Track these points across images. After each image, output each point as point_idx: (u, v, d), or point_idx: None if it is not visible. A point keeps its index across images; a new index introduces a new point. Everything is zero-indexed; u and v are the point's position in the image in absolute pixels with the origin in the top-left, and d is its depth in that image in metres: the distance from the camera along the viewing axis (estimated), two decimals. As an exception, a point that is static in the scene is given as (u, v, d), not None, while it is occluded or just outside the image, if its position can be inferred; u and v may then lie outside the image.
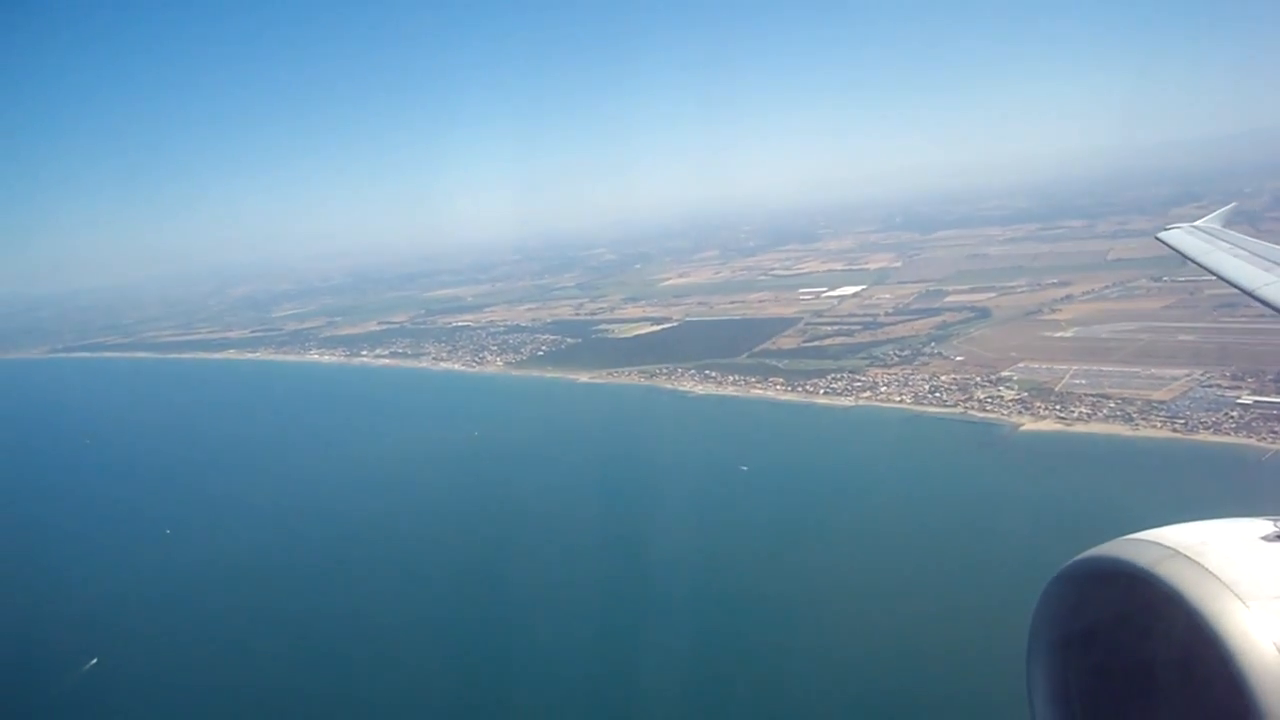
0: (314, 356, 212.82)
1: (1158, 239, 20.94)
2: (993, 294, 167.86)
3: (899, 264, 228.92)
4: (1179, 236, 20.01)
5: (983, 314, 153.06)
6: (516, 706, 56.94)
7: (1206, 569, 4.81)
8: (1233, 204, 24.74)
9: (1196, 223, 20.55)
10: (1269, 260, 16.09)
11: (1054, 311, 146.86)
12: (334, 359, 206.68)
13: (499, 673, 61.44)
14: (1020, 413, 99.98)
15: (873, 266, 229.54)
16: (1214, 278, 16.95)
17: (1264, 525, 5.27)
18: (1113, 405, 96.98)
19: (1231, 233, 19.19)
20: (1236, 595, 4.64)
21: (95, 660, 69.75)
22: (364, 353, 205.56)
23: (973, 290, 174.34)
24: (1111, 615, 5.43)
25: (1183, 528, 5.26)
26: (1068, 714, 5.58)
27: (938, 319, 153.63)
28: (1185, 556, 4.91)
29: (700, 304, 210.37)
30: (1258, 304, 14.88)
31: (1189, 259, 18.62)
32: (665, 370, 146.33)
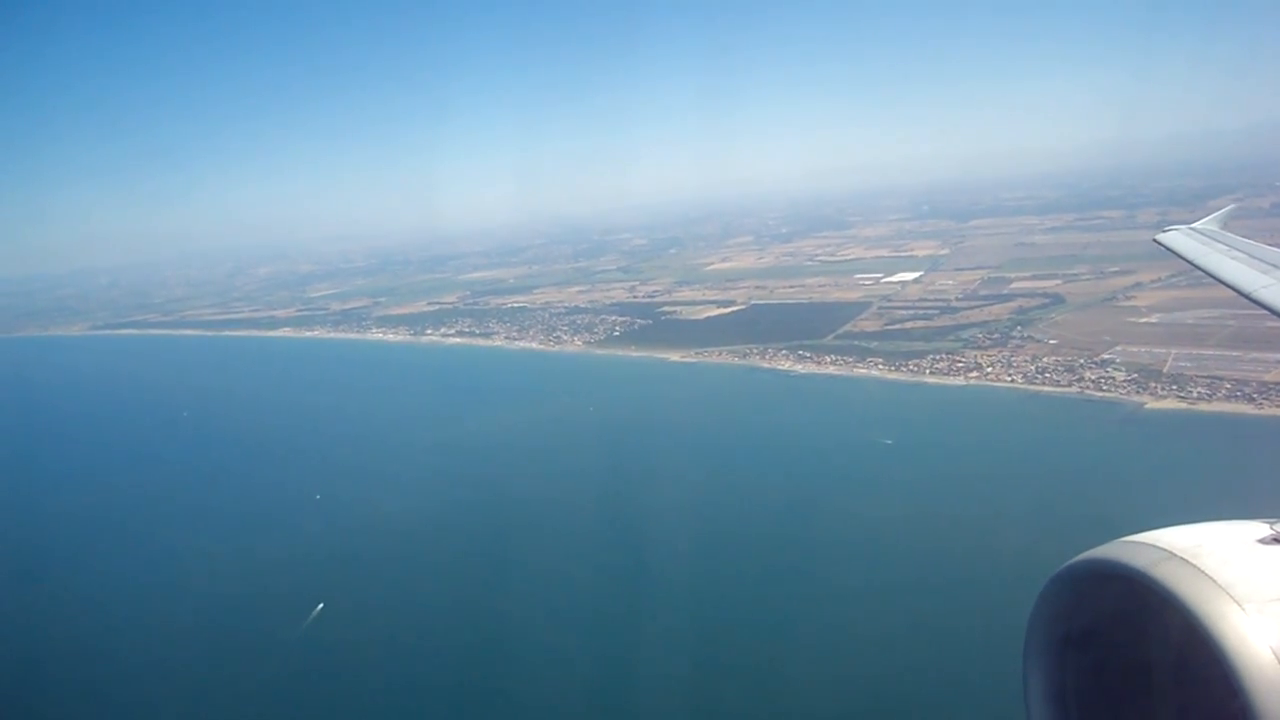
0: (377, 335, 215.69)
1: (1156, 241, 21.09)
2: (1058, 281, 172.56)
3: (946, 251, 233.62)
4: (1177, 239, 20.16)
5: (1057, 300, 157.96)
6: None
7: (1203, 572, 4.87)
8: (1231, 205, 25.29)
9: (1195, 225, 20.74)
10: (1266, 262, 16.32)
11: (1129, 298, 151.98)
12: (399, 338, 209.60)
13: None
14: (1139, 392, 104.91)
15: (920, 253, 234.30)
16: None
17: (1260, 528, 5.32)
18: (1229, 386, 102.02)
19: (1229, 235, 19.40)
20: (1233, 598, 4.69)
21: (322, 605, 74.23)
22: (429, 331, 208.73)
23: (1035, 278, 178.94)
24: (1108, 616, 5.51)
25: (1180, 530, 5.33)
26: (1063, 714, 5.68)
27: (1012, 304, 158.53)
28: (1181, 559, 4.98)
29: (758, 288, 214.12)
30: (1256, 306, 15.05)
31: (1187, 261, 18.87)
32: (756, 350, 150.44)
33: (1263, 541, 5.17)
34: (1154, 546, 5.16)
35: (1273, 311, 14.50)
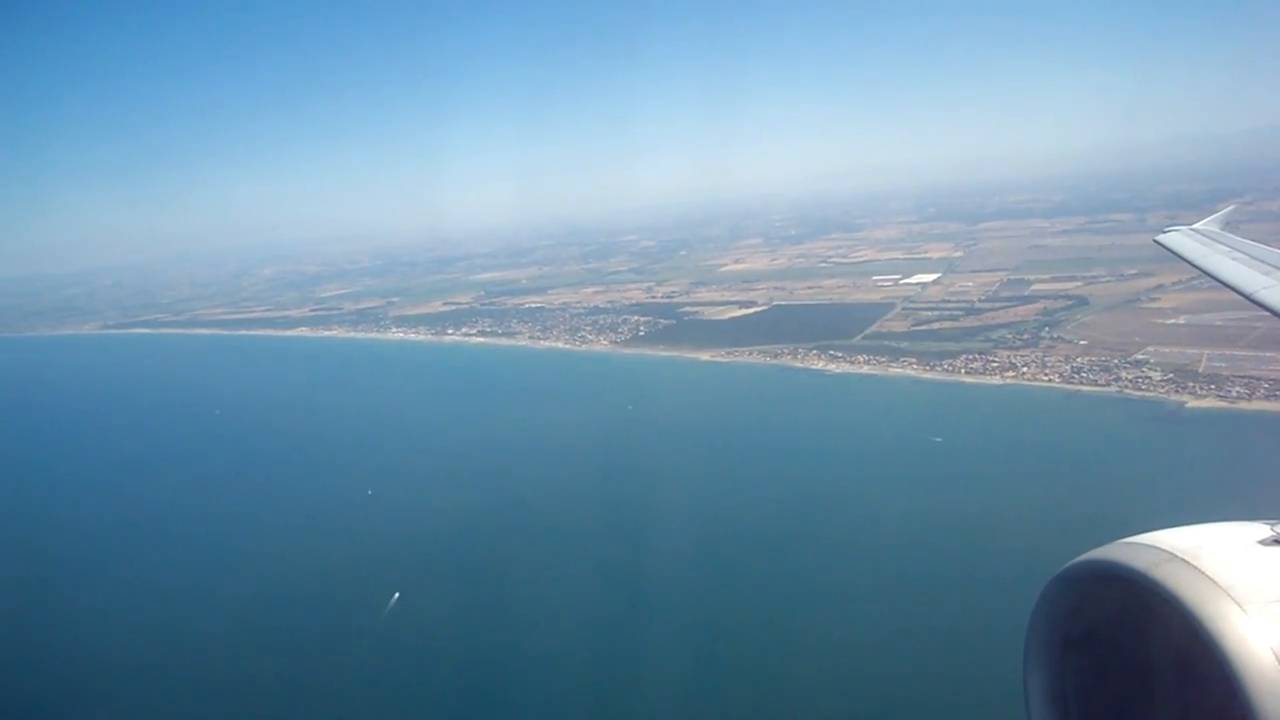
0: (398, 334, 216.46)
1: (1156, 242, 21.22)
2: (1079, 283, 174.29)
3: (960, 253, 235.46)
4: (1178, 239, 20.15)
5: (1081, 302, 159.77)
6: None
7: (1203, 573, 4.87)
8: (1232, 206, 25.75)
9: (1195, 225, 20.88)
10: (1267, 263, 16.31)
11: (1153, 300, 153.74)
12: (420, 337, 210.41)
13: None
14: (1178, 391, 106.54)
15: (935, 255, 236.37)
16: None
17: (1261, 529, 5.32)
18: (1266, 386, 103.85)
19: (1230, 236, 19.52)
20: (1233, 600, 4.69)
21: (398, 595, 75.63)
22: (450, 331, 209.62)
23: (1055, 279, 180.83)
24: (1109, 618, 5.50)
25: (1180, 531, 5.33)
26: (1064, 716, 5.69)
27: (1037, 306, 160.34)
28: (1182, 560, 4.98)
29: (777, 289, 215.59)
30: (1257, 307, 15.11)
31: (1188, 262, 18.87)
32: (786, 350, 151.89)
33: (1264, 542, 5.19)
34: (1154, 548, 5.17)
35: (1274, 313, 14.51)
